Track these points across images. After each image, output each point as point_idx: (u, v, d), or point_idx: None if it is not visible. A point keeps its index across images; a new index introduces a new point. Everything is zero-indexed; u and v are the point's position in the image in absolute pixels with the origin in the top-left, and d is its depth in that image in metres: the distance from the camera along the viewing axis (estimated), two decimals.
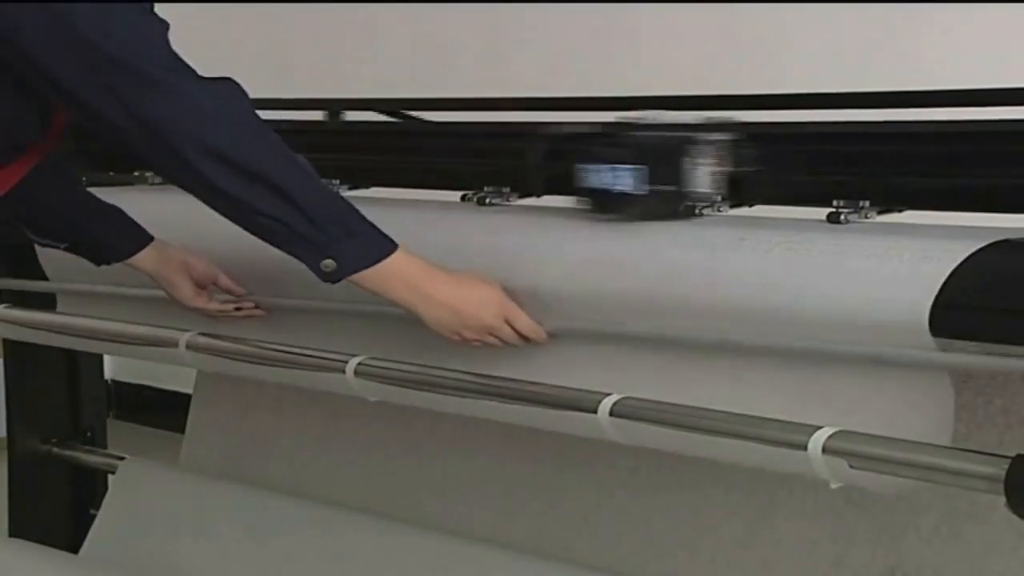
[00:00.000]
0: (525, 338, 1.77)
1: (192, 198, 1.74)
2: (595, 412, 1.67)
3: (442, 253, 1.81)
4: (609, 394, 1.67)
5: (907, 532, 1.82)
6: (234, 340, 2.06)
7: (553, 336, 1.78)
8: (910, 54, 2.98)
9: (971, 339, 1.48)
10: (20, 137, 1.87)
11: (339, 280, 1.73)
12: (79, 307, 2.37)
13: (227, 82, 1.71)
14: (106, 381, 3.07)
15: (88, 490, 2.83)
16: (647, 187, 1.79)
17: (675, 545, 2.02)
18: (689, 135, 1.80)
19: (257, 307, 2.07)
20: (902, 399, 1.53)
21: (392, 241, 1.74)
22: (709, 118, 1.84)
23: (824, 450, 1.49)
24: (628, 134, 1.83)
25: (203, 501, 2.51)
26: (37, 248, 2.30)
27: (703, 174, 1.80)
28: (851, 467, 1.48)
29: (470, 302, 1.75)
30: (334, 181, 2.20)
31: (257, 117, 1.72)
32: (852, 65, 3.03)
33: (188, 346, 2.10)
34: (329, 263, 1.71)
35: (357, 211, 1.74)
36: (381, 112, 2.43)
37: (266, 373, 2.05)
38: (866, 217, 1.73)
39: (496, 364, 1.80)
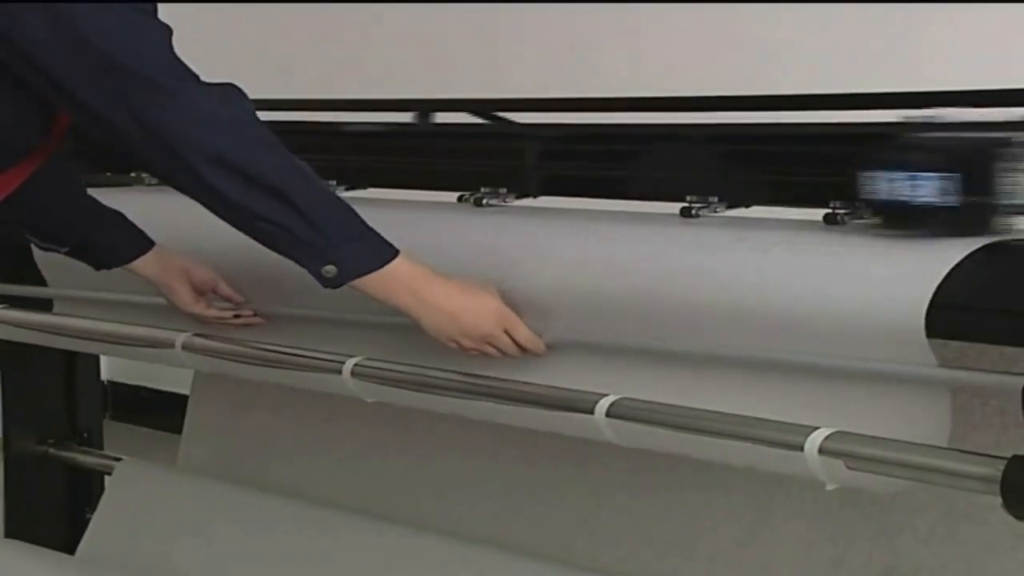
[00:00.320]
0: (523, 349, 1.77)
1: (188, 200, 1.74)
2: (592, 413, 1.67)
3: (439, 254, 1.81)
4: (606, 395, 1.67)
5: (904, 532, 1.82)
6: (230, 341, 2.06)
7: (551, 347, 1.77)
8: (910, 54, 2.98)
9: (967, 340, 1.48)
10: (21, 141, 1.86)
11: (340, 286, 1.72)
12: (75, 308, 2.37)
13: (229, 87, 1.71)
14: (103, 382, 3.06)
15: (85, 491, 2.82)
16: (956, 198, 1.52)
17: (674, 546, 2.02)
18: (1005, 136, 1.54)
19: (255, 315, 2.07)
20: (900, 400, 1.53)
21: (393, 247, 1.74)
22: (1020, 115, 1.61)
23: (820, 451, 1.49)
24: (924, 135, 1.57)
25: (200, 502, 2.50)
26: (35, 251, 2.30)
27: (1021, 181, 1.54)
28: (847, 468, 1.48)
29: (470, 310, 1.75)
30: (331, 182, 2.20)
31: (259, 122, 1.72)
32: (859, 66, 3.03)
33: (184, 347, 2.10)
34: (330, 268, 1.71)
35: (359, 216, 1.73)
36: (471, 113, 2.37)
37: (263, 374, 2.05)
38: (863, 218, 1.73)
39: (492, 364, 1.79)
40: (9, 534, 2.74)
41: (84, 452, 2.81)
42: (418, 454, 2.30)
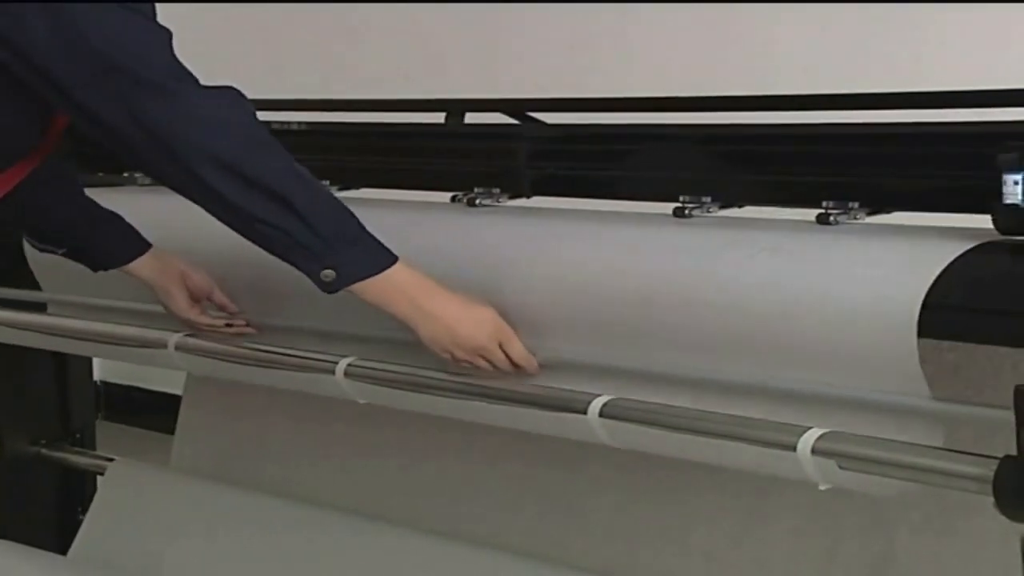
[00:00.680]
0: (516, 365, 1.77)
1: (180, 200, 1.74)
2: (584, 413, 1.67)
3: (432, 254, 1.81)
4: (599, 395, 1.67)
5: (899, 525, 1.82)
6: (224, 341, 2.06)
7: (544, 366, 1.77)
8: (910, 54, 2.98)
9: (960, 340, 1.48)
10: (19, 141, 1.86)
11: (338, 290, 1.72)
12: (68, 309, 2.37)
13: (229, 90, 1.71)
14: (95, 382, 3.06)
15: (77, 492, 2.82)
16: None
17: (671, 544, 2.01)
18: None
19: (248, 325, 2.07)
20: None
21: (392, 253, 1.73)
22: None
23: (813, 451, 1.49)
24: None
25: (193, 503, 2.50)
26: (28, 252, 2.29)
27: None
28: (840, 468, 1.48)
29: (467, 321, 1.75)
30: (324, 182, 2.20)
31: (259, 124, 1.72)
32: (845, 66, 3.03)
33: (177, 347, 2.10)
34: (329, 273, 1.71)
35: (358, 221, 1.73)
36: (504, 113, 2.35)
37: (256, 375, 2.05)
38: (855, 218, 1.73)
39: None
40: (1, 535, 2.73)
41: (77, 453, 2.81)
42: (412, 454, 2.30)
